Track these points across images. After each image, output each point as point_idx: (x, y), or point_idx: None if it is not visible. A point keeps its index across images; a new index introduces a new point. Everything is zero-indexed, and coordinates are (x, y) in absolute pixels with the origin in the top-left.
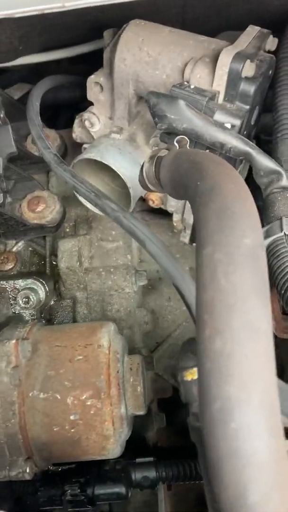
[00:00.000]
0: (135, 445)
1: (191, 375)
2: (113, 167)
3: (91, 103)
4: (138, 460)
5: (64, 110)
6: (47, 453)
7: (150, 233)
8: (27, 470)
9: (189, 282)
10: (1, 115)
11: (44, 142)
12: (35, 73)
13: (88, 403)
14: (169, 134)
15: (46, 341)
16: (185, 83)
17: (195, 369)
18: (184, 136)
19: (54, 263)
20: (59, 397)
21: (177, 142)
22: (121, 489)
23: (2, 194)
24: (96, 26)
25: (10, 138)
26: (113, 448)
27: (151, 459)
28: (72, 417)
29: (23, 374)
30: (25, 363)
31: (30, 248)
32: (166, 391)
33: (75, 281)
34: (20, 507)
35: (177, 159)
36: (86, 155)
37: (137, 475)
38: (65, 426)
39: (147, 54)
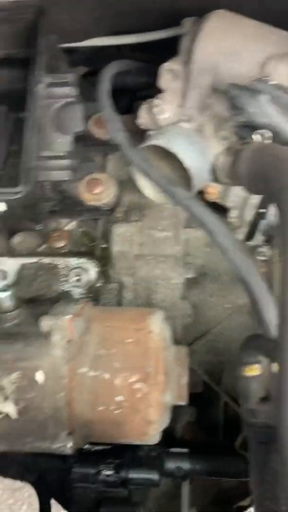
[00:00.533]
0: (163, 435)
1: (252, 371)
2: (179, 156)
3: (158, 91)
4: (172, 450)
5: (123, 96)
6: (88, 431)
7: (221, 225)
8: (69, 445)
9: (258, 279)
10: (76, 93)
11: (116, 124)
12: (94, 57)
13: (136, 386)
14: (245, 127)
15: (98, 321)
16: (266, 78)
17: (256, 366)
18: (268, 130)
19: (104, 246)
20: (107, 377)
21: (260, 135)
22: (154, 476)
23: (69, 172)
24: (170, 14)
25: (80, 117)
26: (154, 435)
27: (185, 450)
28: (118, 398)
29: (75, 350)
30: (77, 339)
31: (81, 229)
32: (197, 386)
33: (125, 266)
34: (43, 482)
35: (260, 153)
36: (153, 141)
37: (170, 465)
38: (110, 407)
39: (229, 46)
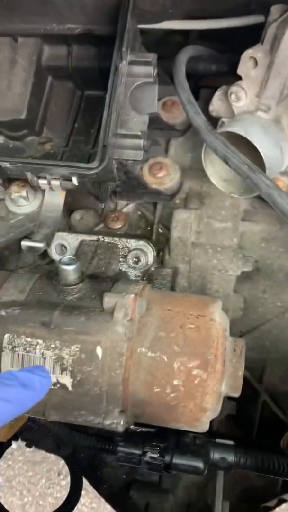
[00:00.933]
0: None
1: None
2: (256, 145)
3: (224, 81)
4: (218, 440)
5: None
6: (140, 411)
7: None
8: (121, 422)
9: None
10: (154, 73)
11: (195, 107)
12: (160, 41)
13: (194, 372)
14: None
15: (159, 303)
16: None
17: None
18: None
19: (160, 231)
20: (166, 359)
21: None
22: (199, 464)
23: (143, 152)
24: (248, 2)
25: (154, 98)
26: (206, 423)
27: (231, 442)
28: (175, 382)
29: (135, 329)
30: (138, 319)
31: (139, 212)
32: None
33: (182, 253)
34: (75, 458)
35: None
36: (229, 128)
37: (215, 455)
38: (166, 389)
39: None
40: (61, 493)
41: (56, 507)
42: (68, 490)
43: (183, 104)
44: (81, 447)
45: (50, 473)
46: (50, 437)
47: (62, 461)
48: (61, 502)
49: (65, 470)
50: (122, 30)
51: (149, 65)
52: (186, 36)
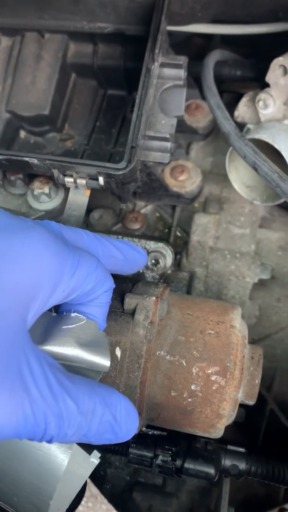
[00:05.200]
0: None
1: None
2: (283, 154)
3: (247, 86)
4: (230, 447)
5: None
6: (155, 414)
7: None
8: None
9: None
10: (184, 76)
11: (224, 112)
12: (183, 44)
13: (213, 378)
14: None
15: (178, 307)
16: None
17: None
18: None
19: (178, 234)
20: (184, 364)
21: None
22: (210, 470)
23: (169, 155)
24: (276, 8)
25: (182, 101)
26: (220, 429)
27: (243, 449)
28: (193, 387)
29: (155, 332)
30: (158, 322)
31: (157, 214)
32: None
33: (200, 257)
34: None
35: None
36: (257, 135)
37: (226, 462)
38: (183, 394)
39: None
40: None
41: None
42: None
43: (212, 109)
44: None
45: None
46: None
47: None
48: None
49: None
50: (155, 32)
51: (179, 68)
52: (208, 40)
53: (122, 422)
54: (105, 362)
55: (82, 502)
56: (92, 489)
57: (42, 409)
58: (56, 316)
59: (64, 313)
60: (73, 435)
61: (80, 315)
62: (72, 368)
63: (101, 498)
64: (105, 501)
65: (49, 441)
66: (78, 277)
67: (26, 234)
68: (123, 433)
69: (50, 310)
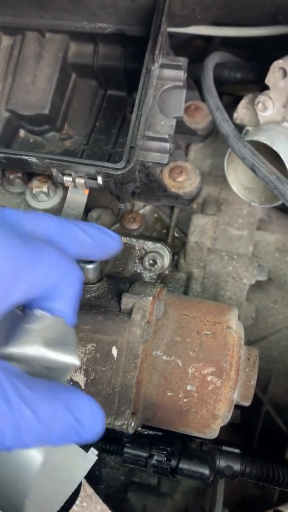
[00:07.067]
0: None
1: None
2: (282, 156)
3: (244, 89)
4: (225, 448)
5: None
6: (151, 414)
7: None
8: (132, 424)
9: None
10: (184, 77)
11: (223, 114)
12: (181, 46)
13: (208, 378)
14: None
15: (175, 307)
16: None
17: None
18: None
19: (176, 234)
20: (180, 364)
21: None
22: (205, 470)
23: (168, 155)
24: (276, 12)
25: (181, 102)
26: (216, 430)
27: (237, 450)
28: (188, 387)
29: (151, 332)
30: (155, 322)
31: (155, 214)
32: None
33: (197, 258)
34: None
35: None
36: (256, 137)
37: (221, 462)
38: (179, 394)
39: None
40: None
41: None
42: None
43: (211, 111)
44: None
45: None
46: None
47: None
48: None
49: None
50: (155, 33)
51: (179, 69)
52: (207, 42)
53: (86, 424)
54: (73, 360)
55: (77, 502)
56: (87, 489)
57: None
58: (20, 315)
59: (27, 311)
60: (33, 444)
61: (44, 312)
62: (36, 370)
63: (96, 498)
64: (100, 501)
65: (8, 450)
66: (38, 273)
67: None
68: (88, 434)
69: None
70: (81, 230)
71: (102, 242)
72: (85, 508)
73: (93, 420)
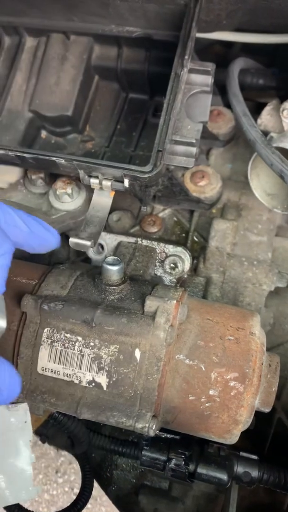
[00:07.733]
0: None
1: None
2: None
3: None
4: (242, 453)
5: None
6: (172, 417)
7: None
8: (153, 427)
9: None
10: (211, 82)
11: (250, 120)
12: (202, 51)
13: (231, 384)
14: None
15: (198, 311)
16: None
17: None
18: None
19: (196, 239)
20: (203, 368)
21: None
22: (223, 476)
23: (194, 160)
24: None
25: (208, 107)
26: (236, 435)
27: (255, 456)
28: (211, 392)
29: (175, 335)
30: (178, 325)
31: (175, 218)
32: None
33: (217, 263)
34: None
35: None
36: (281, 144)
37: (239, 468)
38: (201, 398)
39: None
40: (57, 491)
41: (51, 504)
42: (79, 489)
43: (238, 117)
44: (96, 447)
45: (47, 470)
46: (65, 434)
47: (61, 459)
48: (57, 499)
49: (63, 468)
50: (185, 38)
51: (207, 74)
52: (227, 47)
53: (4, 388)
54: (0, 323)
55: None
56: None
57: None
58: None
59: None
60: None
61: None
62: None
63: (100, 500)
64: (105, 503)
65: None
66: None
67: None
68: (4, 397)
69: None
70: (19, 217)
71: (38, 232)
72: (90, 510)
73: (11, 384)
